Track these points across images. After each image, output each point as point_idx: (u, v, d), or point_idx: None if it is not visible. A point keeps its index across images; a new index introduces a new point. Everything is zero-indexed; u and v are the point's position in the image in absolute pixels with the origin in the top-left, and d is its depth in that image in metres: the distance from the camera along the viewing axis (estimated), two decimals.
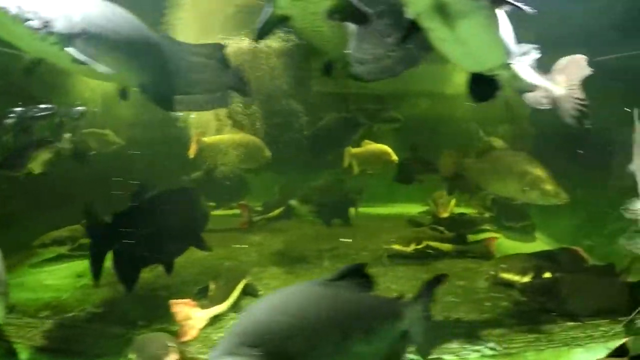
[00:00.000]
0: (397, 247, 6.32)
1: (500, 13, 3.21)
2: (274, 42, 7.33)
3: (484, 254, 6.41)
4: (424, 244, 6.38)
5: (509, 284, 5.37)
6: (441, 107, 8.92)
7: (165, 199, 5.03)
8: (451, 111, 8.67)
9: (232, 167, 8.41)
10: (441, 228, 6.74)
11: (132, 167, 7.36)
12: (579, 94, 4.05)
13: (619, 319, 4.58)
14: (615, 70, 6.61)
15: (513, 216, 7.43)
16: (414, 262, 6.23)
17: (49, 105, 6.12)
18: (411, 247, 6.33)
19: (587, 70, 4.16)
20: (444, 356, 4.14)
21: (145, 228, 4.53)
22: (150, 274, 5.26)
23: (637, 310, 3.18)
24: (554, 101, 3.99)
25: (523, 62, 3.65)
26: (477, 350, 4.24)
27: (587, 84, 4.40)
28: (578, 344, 4.34)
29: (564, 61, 4.22)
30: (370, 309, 2.74)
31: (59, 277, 5.88)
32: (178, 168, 8.26)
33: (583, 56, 4.26)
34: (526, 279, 5.30)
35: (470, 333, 4.52)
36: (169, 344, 3.48)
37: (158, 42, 5.03)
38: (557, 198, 5.74)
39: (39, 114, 5.99)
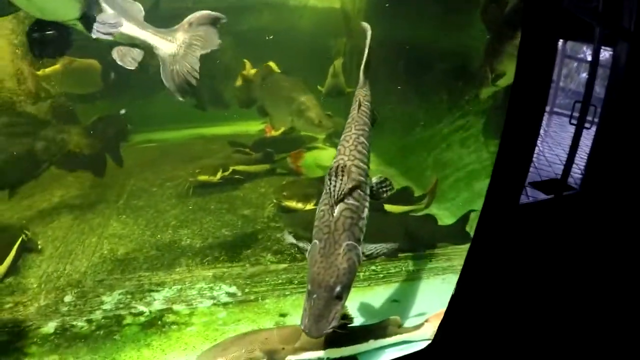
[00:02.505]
0: (203, 177, 5.58)
1: None
2: None
3: (293, 170, 5.88)
4: (230, 169, 5.72)
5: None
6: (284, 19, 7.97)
7: None
8: (295, 23, 7.80)
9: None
10: (246, 150, 6.03)
11: None
12: (195, 61, 3.14)
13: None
14: None
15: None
16: (215, 191, 5.54)
17: None
18: (218, 176, 5.66)
19: (214, 42, 3.23)
20: (175, 305, 3.60)
21: None
22: None
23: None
24: (163, 60, 3.10)
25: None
26: (213, 297, 3.75)
27: None
28: None
29: (195, 18, 3.20)
30: None
31: None
32: None
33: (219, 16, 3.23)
34: (309, 206, 4.77)
35: (217, 275, 3.97)
36: None
37: None
38: (320, 127, 5.47)
39: None
